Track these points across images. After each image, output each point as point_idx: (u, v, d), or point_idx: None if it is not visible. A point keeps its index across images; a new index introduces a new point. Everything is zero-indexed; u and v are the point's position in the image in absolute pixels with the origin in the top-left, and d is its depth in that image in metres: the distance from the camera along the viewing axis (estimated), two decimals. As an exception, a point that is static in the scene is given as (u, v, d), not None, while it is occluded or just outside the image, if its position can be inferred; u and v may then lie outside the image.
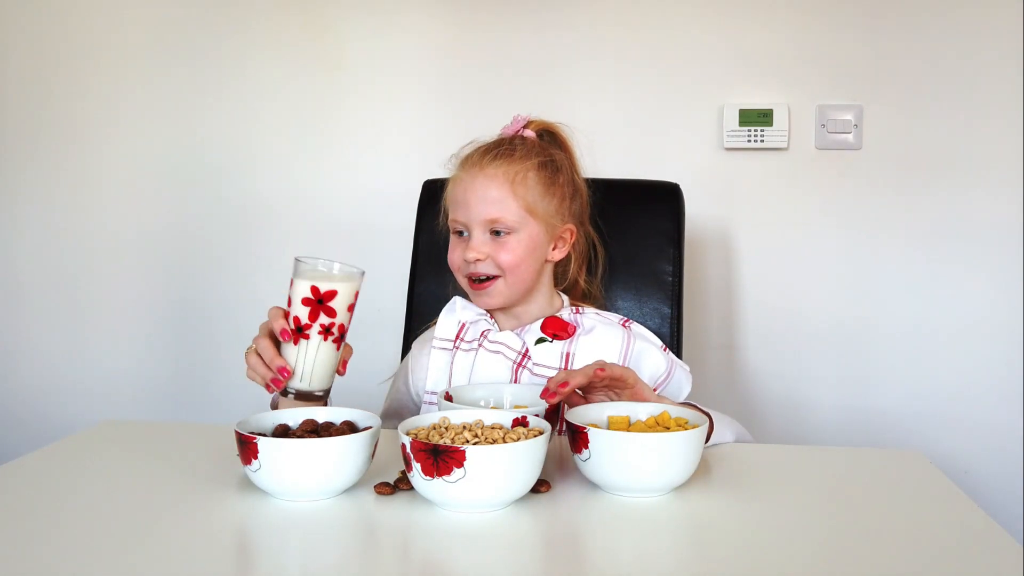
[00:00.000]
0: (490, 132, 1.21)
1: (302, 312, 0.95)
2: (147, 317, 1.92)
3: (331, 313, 0.96)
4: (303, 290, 0.95)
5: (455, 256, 1.17)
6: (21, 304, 1.96)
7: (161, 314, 1.92)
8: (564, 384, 0.93)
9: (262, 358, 0.97)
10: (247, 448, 0.81)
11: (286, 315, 0.97)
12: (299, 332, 0.96)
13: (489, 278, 1.14)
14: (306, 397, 0.98)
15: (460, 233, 1.16)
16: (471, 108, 1.79)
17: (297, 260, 0.97)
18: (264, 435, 0.85)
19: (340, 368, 1.00)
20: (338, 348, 0.98)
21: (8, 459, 0.97)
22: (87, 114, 1.90)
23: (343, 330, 0.98)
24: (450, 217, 1.17)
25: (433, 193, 1.37)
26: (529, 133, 1.19)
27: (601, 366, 0.95)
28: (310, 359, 0.97)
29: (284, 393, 0.98)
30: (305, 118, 1.85)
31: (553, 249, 1.19)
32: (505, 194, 1.11)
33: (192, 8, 1.86)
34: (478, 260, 1.13)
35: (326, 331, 0.96)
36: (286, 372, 0.96)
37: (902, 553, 0.72)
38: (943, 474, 0.93)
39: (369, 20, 1.81)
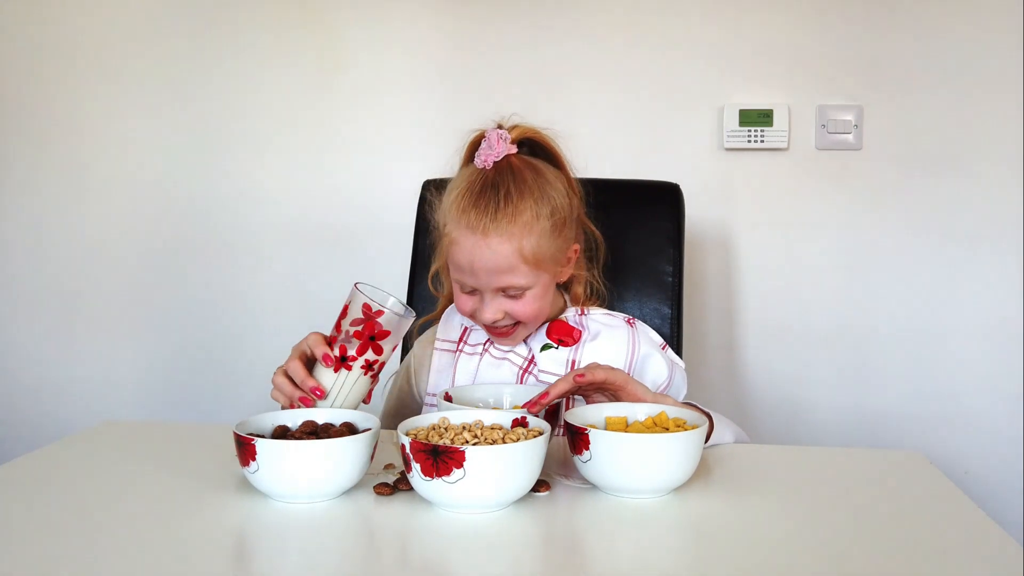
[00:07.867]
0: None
1: (351, 344, 0.95)
2: (147, 317, 1.92)
3: (379, 351, 0.96)
4: (356, 323, 0.94)
5: (465, 307, 1.11)
6: (20, 304, 1.95)
7: (161, 314, 1.92)
8: (544, 395, 0.93)
9: (291, 379, 0.96)
10: (245, 450, 0.81)
11: (331, 340, 0.96)
12: (343, 361, 0.95)
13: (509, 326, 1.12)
14: None
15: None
16: (471, 108, 1.78)
17: (357, 288, 0.96)
18: (263, 436, 0.85)
19: (366, 398, 1.00)
20: (373, 383, 0.99)
21: (8, 459, 0.97)
22: (82, 114, 1.90)
23: (382, 367, 0.98)
24: (453, 275, 1.11)
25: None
26: (512, 150, 1.08)
27: (581, 372, 0.95)
28: (345, 388, 0.97)
29: None
30: (305, 118, 1.85)
31: (562, 271, 1.14)
32: (514, 262, 1.04)
33: (189, 8, 1.85)
34: (496, 320, 1.10)
35: (368, 367, 0.96)
36: (319, 392, 0.95)
37: (902, 553, 0.72)
38: (943, 474, 0.92)
39: (369, 20, 1.81)
